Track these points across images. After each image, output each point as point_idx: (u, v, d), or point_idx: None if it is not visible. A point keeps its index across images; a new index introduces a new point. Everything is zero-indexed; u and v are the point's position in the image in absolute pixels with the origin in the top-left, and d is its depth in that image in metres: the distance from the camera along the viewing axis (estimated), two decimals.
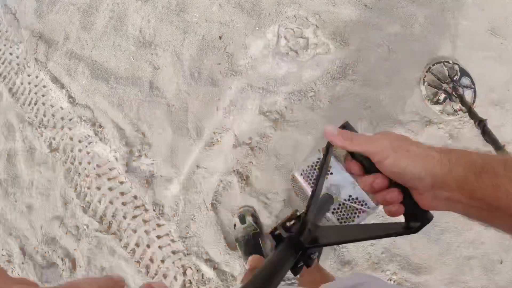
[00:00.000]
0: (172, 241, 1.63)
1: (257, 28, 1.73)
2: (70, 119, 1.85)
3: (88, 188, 1.74)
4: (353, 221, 1.10)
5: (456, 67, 1.66)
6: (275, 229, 0.53)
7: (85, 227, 1.74)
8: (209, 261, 1.60)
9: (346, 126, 0.48)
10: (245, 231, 1.56)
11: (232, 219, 1.60)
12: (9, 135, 2.01)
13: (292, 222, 0.53)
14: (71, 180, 1.80)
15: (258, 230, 1.57)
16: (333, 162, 1.07)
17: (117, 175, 1.72)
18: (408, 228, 0.44)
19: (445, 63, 1.67)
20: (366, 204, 1.05)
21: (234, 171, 1.61)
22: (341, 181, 1.06)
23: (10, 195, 1.94)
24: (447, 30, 1.70)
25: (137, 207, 1.67)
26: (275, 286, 0.42)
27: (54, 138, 1.86)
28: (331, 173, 1.07)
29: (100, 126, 1.78)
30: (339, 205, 1.10)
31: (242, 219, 1.57)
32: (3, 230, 1.94)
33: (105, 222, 1.71)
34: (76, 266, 1.77)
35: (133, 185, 1.69)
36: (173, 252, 1.63)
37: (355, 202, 1.06)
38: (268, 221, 1.57)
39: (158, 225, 1.64)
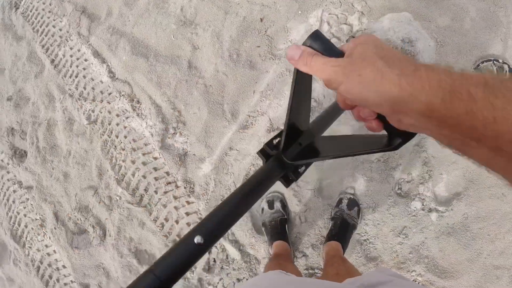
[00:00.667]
0: (200, 219, 1.66)
1: (299, 12, 1.70)
2: (109, 93, 1.90)
3: (123, 161, 1.79)
4: None
5: (505, 67, 1.58)
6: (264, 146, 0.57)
7: (118, 198, 1.80)
8: (234, 242, 1.62)
9: (314, 37, 0.41)
10: (272, 217, 1.57)
11: (260, 204, 1.61)
12: (50, 105, 2.08)
13: (278, 139, 0.55)
14: (107, 152, 1.86)
15: (285, 217, 1.57)
16: None
17: (151, 151, 1.76)
18: (390, 145, 0.43)
19: (495, 61, 1.59)
20: None
21: None
22: None
23: (47, 163, 2.02)
24: (499, 27, 1.62)
25: (168, 183, 1.70)
26: (258, 196, 0.49)
27: (93, 111, 1.92)
28: None
29: (138, 102, 1.82)
30: None
31: (271, 205, 1.58)
32: (39, 195, 2.03)
33: (137, 195, 1.76)
34: (107, 235, 1.83)
35: (166, 162, 1.72)
36: None
37: None
38: (296, 208, 1.57)
39: (188, 202, 1.68)
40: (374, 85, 0.35)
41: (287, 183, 0.56)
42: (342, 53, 0.40)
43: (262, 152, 0.56)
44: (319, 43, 0.40)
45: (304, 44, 0.41)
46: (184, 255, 0.42)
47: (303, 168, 0.56)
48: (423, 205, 1.49)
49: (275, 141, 0.56)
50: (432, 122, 0.34)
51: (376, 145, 0.45)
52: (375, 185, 1.52)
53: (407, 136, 0.42)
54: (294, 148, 0.54)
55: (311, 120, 0.61)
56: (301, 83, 0.47)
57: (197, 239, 0.42)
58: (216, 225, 0.45)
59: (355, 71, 0.36)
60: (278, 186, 1.59)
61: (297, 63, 0.41)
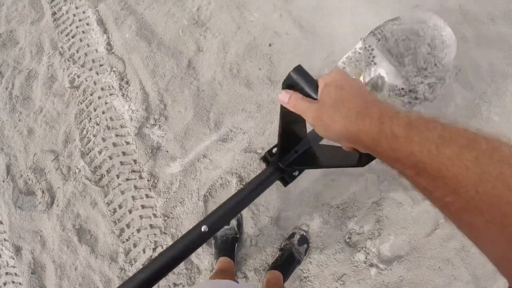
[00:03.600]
0: (154, 215, 1.64)
1: (306, 51, 1.75)
2: (101, 65, 1.85)
3: (94, 136, 1.74)
4: None
5: None
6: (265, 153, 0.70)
7: (77, 170, 1.74)
8: None
9: (297, 71, 0.50)
10: (225, 232, 1.58)
11: None
12: (36, 56, 2.00)
13: (276, 148, 0.67)
14: (80, 122, 1.80)
15: (238, 235, 1.59)
16: (376, 49, 1.00)
17: (125, 134, 1.72)
18: (359, 162, 0.55)
19: None
20: (415, 96, 0.97)
21: (236, 173, 1.63)
22: (385, 72, 0.96)
23: (16, 113, 1.93)
24: (478, 119, 1.75)
25: (133, 171, 1.67)
26: (257, 194, 0.64)
27: (78, 76, 1.86)
28: (375, 63, 0.99)
29: (127, 82, 1.79)
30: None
31: None
32: None
33: (98, 173, 1.71)
34: (54, 204, 1.76)
35: (137, 150, 1.69)
36: (151, 226, 1.64)
37: (402, 94, 0.97)
38: (250, 230, 1.59)
39: (147, 196, 1.65)
40: (330, 128, 0.45)
41: (284, 183, 0.69)
42: (316, 84, 0.49)
43: (264, 158, 0.69)
44: (301, 76, 0.50)
45: (288, 75, 0.50)
46: (192, 239, 0.57)
47: (297, 172, 0.68)
48: (366, 258, 1.56)
49: (274, 150, 0.69)
50: (375, 154, 0.43)
51: (351, 161, 0.57)
52: (328, 229, 1.57)
53: (371, 156, 0.51)
54: (290, 154, 0.66)
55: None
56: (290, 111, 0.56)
57: (204, 228, 0.57)
58: (220, 217, 0.59)
59: (319, 117, 0.46)
60: None
61: (287, 105, 0.52)
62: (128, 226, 1.66)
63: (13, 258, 1.83)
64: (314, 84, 0.49)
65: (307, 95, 0.49)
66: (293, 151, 0.66)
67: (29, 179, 1.83)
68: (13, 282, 1.84)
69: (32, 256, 1.79)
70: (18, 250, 1.82)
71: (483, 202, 0.30)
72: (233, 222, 1.59)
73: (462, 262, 1.58)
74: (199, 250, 1.62)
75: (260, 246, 1.59)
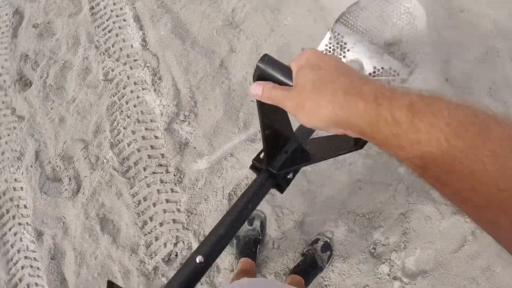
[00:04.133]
0: (178, 210, 1.64)
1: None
2: (135, 60, 1.88)
3: (124, 128, 1.77)
4: None
5: None
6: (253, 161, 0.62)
7: (105, 161, 1.76)
8: None
9: (266, 60, 0.45)
10: (248, 233, 1.57)
11: None
12: (72, 48, 2.05)
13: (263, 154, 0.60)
14: (111, 114, 1.83)
15: (260, 237, 1.57)
16: (346, 36, 0.93)
17: (155, 129, 1.74)
18: (356, 145, 0.50)
19: None
20: (396, 72, 0.90)
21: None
22: (362, 54, 0.91)
23: (49, 101, 1.97)
24: None
25: (160, 165, 1.69)
26: (252, 209, 0.56)
27: (112, 70, 1.90)
28: (347, 50, 0.92)
29: (160, 78, 1.81)
30: None
31: (251, 221, 1.58)
32: (28, 129, 1.97)
33: (125, 165, 1.73)
34: (80, 192, 1.78)
35: (166, 144, 1.71)
36: (174, 221, 1.64)
37: (383, 74, 0.91)
38: (273, 233, 1.57)
39: (172, 190, 1.66)
40: (315, 115, 0.39)
41: (280, 190, 0.62)
42: (289, 71, 0.44)
43: (253, 167, 0.62)
44: (270, 64, 0.45)
45: (256, 67, 0.45)
46: (188, 275, 0.48)
47: (291, 174, 0.61)
48: (390, 271, 1.52)
49: (261, 155, 0.61)
50: (368, 139, 0.38)
51: (347, 146, 0.52)
52: (353, 238, 1.54)
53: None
54: (280, 157, 0.59)
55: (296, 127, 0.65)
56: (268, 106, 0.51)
57: (199, 259, 0.49)
58: (215, 244, 0.51)
59: (300, 104, 0.41)
60: (262, 206, 1.59)
61: (262, 98, 0.46)
62: (151, 219, 1.67)
63: (34, 243, 1.86)
64: (286, 70, 0.44)
65: (282, 83, 0.44)
66: (282, 153, 0.59)
67: (57, 166, 1.86)
68: (31, 267, 1.86)
69: (53, 242, 1.81)
70: (39, 235, 1.84)
71: (507, 200, 0.27)
72: (257, 223, 1.58)
73: (487, 282, 1.52)
74: None
75: (282, 250, 1.57)
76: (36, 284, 1.84)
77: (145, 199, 1.69)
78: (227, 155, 1.68)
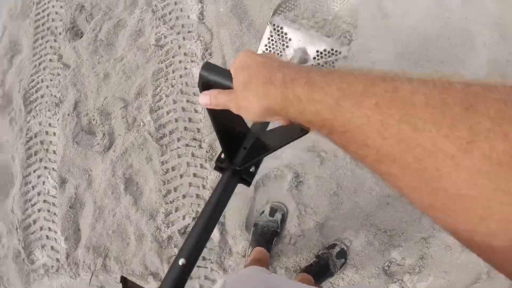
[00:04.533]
0: (203, 187, 1.65)
1: None
2: (189, 31, 1.89)
3: (167, 96, 1.78)
4: None
5: None
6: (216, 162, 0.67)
7: (142, 124, 1.78)
8: (220, 224, 1.61)
9: (207, 67, 0.49)
10: (267, 223, 1.57)
11: (264, 206, 1.61)
12: (129, 8, 2.07)
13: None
14: (156, 79, 1.84)
15: (279, 230, 1.57)
16: (285, 26, 0.94)
17: (196, 103, 1.76)
18: (303, 130, 0.56)
19: None
20: (337, 51, 0.93)
21: (294, 169, 1.62)
22: (303, 41, 0.92)
23: (97, 55, 2.00)
24: None
25: (194, 139, 1.70)
26: (223, 206, 0.61)
27: (165, 36, 1.91)
28: (289, 39, 0.93)
29: (211, 54, 1.82)
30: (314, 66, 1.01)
31: (273, 212, 1.58)
32: (71, 78, 2.01)
33: (161, 132, 1.75)
34: (111, 149, 1.81)
35: (204, 120, 1.72)
36: (197, 196, 1.65)
37: (326, 55, 0.93)
38: (292, 229, 1.57)
39: (201, 166, 1.67)
40: (251, 110, 0.44)
41: (247, 184, 0.66)
42: (229, 74, 0.47)
43: (217, 167, 0.66)
44: (212, 71, 0.48)
45: (200, 75, 0.49)
46: (174, 278, 0.53)
47: (253, 168, 0.65)
48: None
49: (222, 155, 0.65)
50: (292, 121, 0.42)
51: (295, 132, 0.57)
52: (370, 251, 1.53)
53: None
54: (240, 153, 0.63)
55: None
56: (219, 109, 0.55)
57: (182, 261, 0.53)
58: (194, 245, 0.55)
59: (238, 104, 0.45)
60: (287, 199, 1.59)
61: (211, 106, 0.50)
62: (175, 189, 1.68)
63: (56, 189, 1.90)
64: (228, 74, 0.47)
65: (226, 87, 0.47)
66: (241, 149, 0.64)
67: (93, 119, 1.89)
68: (48, 211, 1.91)
69: (75, 192, 1.85)
70: (63, 182, 1.88)
71: (393, 148, 0.28)
72: (278, 216, 1.59)
73: None
74: (238, 233, 1.62)
75: (298, 247, 1.57)
76: (49, 229, 1.88)
77: (173, 168, 1.71)
78: None
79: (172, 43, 1.90)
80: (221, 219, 1.64)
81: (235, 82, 0.46)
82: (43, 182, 1.96)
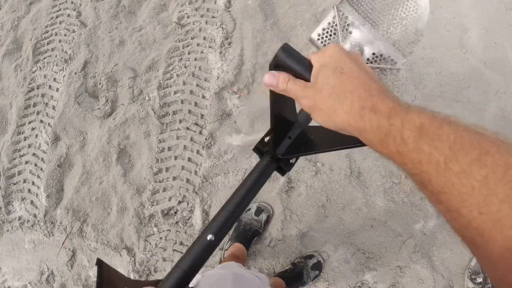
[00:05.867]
0: (196, 173, 1.63)
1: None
2: (213, 17, 1.86)
3: (178, 76, 1.75)
4: None
5: None
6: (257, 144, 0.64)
7: (147, 97, 1.75)
8: (205, 213, 1.59)
9: (286, 50, 0.44)
10: (251, 222, 1.56)
11: (251, 204, 1.58)
12: None
13: (268, 137, 0.61)
14: (171, 57, 1.81)
15: (260, 231, 1.55)
16: (350, 17, 0.90)
17: (206, 88, 1.72)
18: (361, 142, 0.51)
19: None
20: (393, 61, 0.89)
21: (287, 173, 1.59)
22: (363, 38, 0.88)
23: (116, 20, 1.96)
24: None
25: (196, 124, 1.67)
26: (257, 189, 0.58)
27: (188, 16, 1.88)
28: (350, 32, 0.88)
29: (230, 44, 1.79)
30: None
31: (258, 212, 1.57)
32: (86, 37, 1.97)
33: (164, 110, 1.72)
34: (111, 117, 1.77)
35: (210, 107, 1.69)
36: (187, 181, 1.63)
37: (381, 61, 0.89)
38: (274, 232, 1.56)
39: (198, 152, 1.65)
40: (330, 119, 0.41)
41: (282, 172, 0.63)
42: (309, 64, 0.43)
43: (256, 150, 0.63)
44: (290, 55, 0.44)
45: (275, 56, 0.44)
46: (200, 251, 0.51)
47: (294, 159, 0.62)
48: None
49: (266, 139, 0.62)
50: (376, 151, 0.40)
51: (352, 140, 0.51)
52: (346, 269, 1.53)
53: None
54: (285, 142, 0.60)
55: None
56: (277, 108, 0.53)
57: (210, 237, 0.51)
58: (224, 223, 0.53)
59: (316, 105, 0.42)
60: (275, 202, 1.57)
61: (276, 89, 0.46)
62: (167, 169, 1.66)
63: (48, 144, 1.86)
64: (306, 63, 0.43)
65: (298, 76, 0.43)
66: (286, 138, 0.61)
67: (99, 83, 1.85)
68: (36, 165, 1.86)
69: (67, 152, 1.81)
70: (56, 139, 1.84)
71: (485, 224, 0.28)
72: (263, 216, 1.57)
73: None
74: None
75: (276, 251, 1.56)
76: (33, 183, 1.84)
77: (169, 149, 1.68)
78: None
79: (193, 24, 1.86)
80: (206, 208, 1.61)
81: (320, 81, 0.41)
82: (36, 135, 1.91)
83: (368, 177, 1.63)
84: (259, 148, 0.63)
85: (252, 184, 0.58)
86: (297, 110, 0.61)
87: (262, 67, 1.76)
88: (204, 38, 1.83)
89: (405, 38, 0.91)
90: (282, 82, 0.45)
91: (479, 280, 1.52)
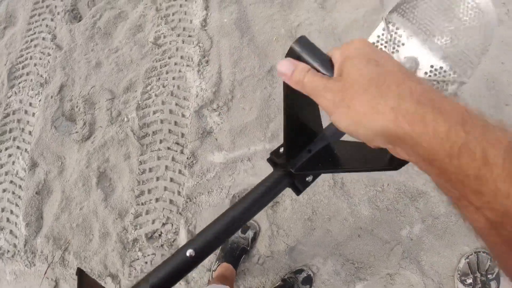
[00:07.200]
0: (179, 193, 1.56)
1: None
2: (190, 36, 1.82)
3: (156, 95, 1.69)
4: None
5: (497, 269, 1.60)
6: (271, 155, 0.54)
7: (126, 119, 1.68)
8: (190, 234, 1.52)
9: (302, 42, 0.37)
10: (238, 240, 1.50)
11: None
12: (134, 1, 2.01)
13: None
14: (148, 77, 1.75)
15: (248, 248, 1.49)
16: (402, 27, 0.77)
17: (185, 107, 1.67)
18: (390, 164, 0.40)
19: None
20: (456, 74, 0.73)
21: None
22: (417, 50, 0.75)
23: (92, 42, 1.90)
24: None
25: (177, 143, 1.61)
26: (263, 205, 0.49)
27: (164, 36, 1.83)
28: (402, 44, 0.76)
29: (207, 62, 1.75)
30: None
31: (245, 229, 1.51)
32: (61, 60, 1.89)
33: (144, 131, 1.66)
34: (89, 140, 1.69)
35: (190, 126, 1.64)
36: (171, 202, 1.56)
37: (442, 75, 0.74)
38: (262, 249, 1.50)
39: (180, 172, 1.58)
40: (364, 120, 0.29)
41: (297, 192, 0.52)
42: (329, 60, 0.35)
43: (270, 161, 0.53)
44: (308, 48, 0.36)
45: (290, 49, 0.37)
46: (175, 266, 0.44)
47: (311, 177, 0.51)
48: None
49: (281, 150, 0.51)
50: (432, 170, 0.28)
51: (380, 162, 0.42)
52: (336, 280, 1.48)
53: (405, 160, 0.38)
54: (302, 155, 0.49)
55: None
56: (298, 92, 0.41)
57: (190, 252, 0.44)
58: (211, 239, 0.46)
59: (343, 101, 0.31)
60: (261, 218, 1.51)
61: (290, 80, 0.36)
62: (149, 191, 1.58)
63: (25, 171, 1.76)
64: (325, 58, 0.35)
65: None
66: (305, 151, 0.50)
67: (77, 106, 1.77)
68: (13, 193, 1.76)
69: (45, 178, 1.71)
70: (34, 165, 1.74)
71: None
72: (250, 233, 1.51)
73: None
74: None
75: (265, 268, 1.49)
76: (11, 212, 1.73)
77: (150, 170, 1.61)
78: (245, 158, 1.61)
79: (170, 44, 1.82)
80: (191, 229, 1.54)
81: (349, 72, 0.31)
82: (13, 162, 1.81)
83: (351, 186, 1.60)
84: (273, 159, 0.52)
85: (257, 198, 0.48)
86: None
87: (240, 84, 1.72)
88: (182, 57, 1.78)
89: (471, 48, 0.79)
90: (299, 71, 0.34)
91: (469, 281, 1.50)
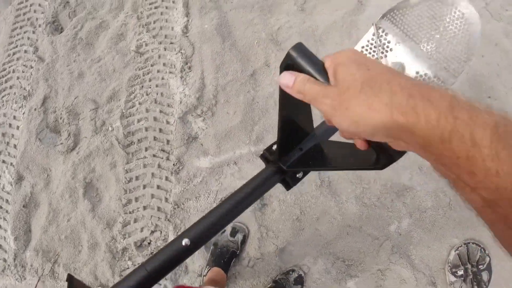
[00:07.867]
0: (166, 200, 1.54)
1: None
2: (171, 43, 1.81)
3: (140, 103, 1.67)
4: None
5: (487, 259, 1.59)
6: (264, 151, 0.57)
7: (110, 128, 1.66)
8: None
9: (298, 49, 0.39)
10: (227, 243, 1.48)
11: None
12: (115, 10, 2.00)
13: (276, 145, 0.54)
14: (132, 86, 1.74)
15: (238, 251, 1.47)
16: (391, 34, 0.80)
17: (169, 114, 1.65)
18: (376, 164, 0.44)
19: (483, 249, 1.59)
20: (440, 80, 0.75)
21: None
22: (405, 55, 0.78)
23: (74, 53, 1.87)
24: None
25: (163, 150, 1.59)
26: (252, 200, 0.52)
27: (146, 44, 1.82)
28: (390, 49, 0.79)
29: (190, 68, 1.74)
30: None
31: (234, 233, 1.49)
32: (44, 72, 1.86)
33: (129, 139, 1.63)
34: (74, 151, 1.66)
35: (175, 132, 1.62)
36: (158, 209, 1.53)
37: (425, 79, 0.77)
38: (252, 251, 1.48)
39: (167, 178, 1.56)
40: (362, 118, 0.32)
41: (287, 187, 0.56)
42: (322, 65, 0.38)
43: (262, 157, 0.57)
44: (304, 55, 0.39)
45: (287, 55, 0.39)
46: (171, 255, 0.46)
47: (301, 174, 0.55)
48: None
49: (274, 147, 0.55)
50: (430, 156, 0.30)
51: (367, 162, 0.45)
52: (327, 279, 1.47)
53: (392, 158, 0.41)
54: (294, 153, 0.53)
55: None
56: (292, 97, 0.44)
57: (185, 241, 0.46)
58: (206, 229, 0.48)
59: (342, 104, 0.33)
60: (249, 221, 1.50)
61: (292, 91, 0.39)
62: (136, 199, 1.56)
63: (11, 185, 1.72)
64: (320, 65, 0.37)
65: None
66: (297, 149, 0.53)
67: (60, 118, 1.74)
68: (1, 207, 1.73)
69: (31, 191, 1.68)
70: (20, 179, 1.71)
71: None
72: (239, 236, 1.49)
73: None
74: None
75: (256, 270, 1.48)
76: (0, 227, 1.68)
77: (137, 178, 1.58)
78: (231, 162, 1.59)
79: (152, 51, 1.80)
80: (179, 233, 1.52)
81: (343, 77, 0.33)
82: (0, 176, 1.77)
83: (338, 185, 1.59)
84: (265, 156, 0.55)
85: (249, 192, 0.51)
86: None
87: (223, 88, 1.71)
88: (164, 64, 1.77)
89: (455, 56, 0.80)
90: (299, 82, 0.37)
91: (460, 272, 1.49)
